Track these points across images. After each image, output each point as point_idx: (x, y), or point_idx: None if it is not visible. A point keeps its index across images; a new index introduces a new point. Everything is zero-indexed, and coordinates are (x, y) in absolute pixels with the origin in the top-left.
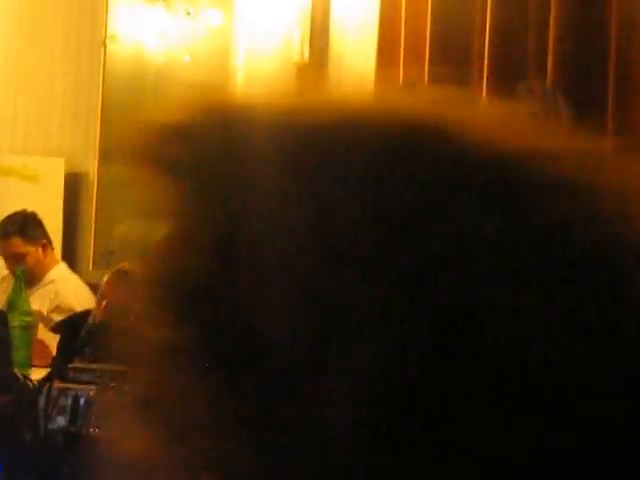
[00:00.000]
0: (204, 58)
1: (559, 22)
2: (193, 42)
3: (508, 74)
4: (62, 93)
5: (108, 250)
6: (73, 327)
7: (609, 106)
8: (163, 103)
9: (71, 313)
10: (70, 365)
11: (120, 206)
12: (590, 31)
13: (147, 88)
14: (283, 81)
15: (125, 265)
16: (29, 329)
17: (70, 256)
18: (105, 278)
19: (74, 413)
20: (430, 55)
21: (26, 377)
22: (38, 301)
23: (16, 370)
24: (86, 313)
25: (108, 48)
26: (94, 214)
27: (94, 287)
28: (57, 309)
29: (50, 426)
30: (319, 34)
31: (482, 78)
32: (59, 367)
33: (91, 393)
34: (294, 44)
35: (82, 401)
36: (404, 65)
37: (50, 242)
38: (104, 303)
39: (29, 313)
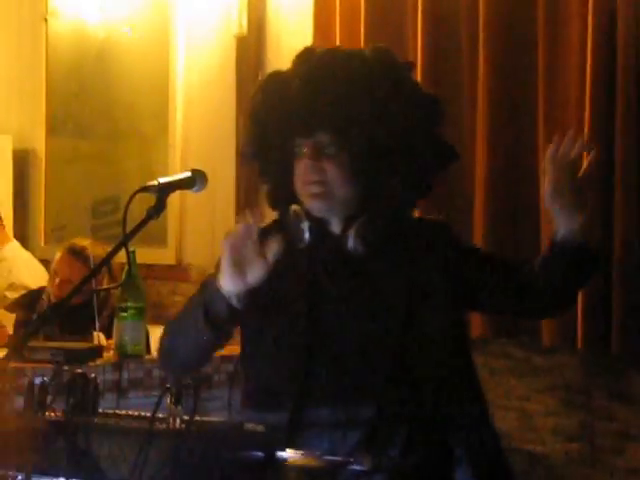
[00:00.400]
0: (144, 31)
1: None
2: (133, 16)
3: (440, 54)
4: (6, 71)
5: (59, 225)
6: (28, 305)
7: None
8: (106, 76)
9: (25, 291)
10: (28, 344)
11: (69, 180)
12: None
13: (89, 63)
14: (223, 52)
15: (76, 241)
16: None
17: (21, 233)
18: (57, 255)
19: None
20: (365, 34)
21: None
22: None
23: None
24: (40, 290)
25: (49, 24)
26: (44, 190)
27: (46, 263)
28: (11, 287)
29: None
30: (256, 9)
31: (416, 57)
32: (16, 347)
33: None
34: (233, 18)
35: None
36: (340, 43)
37: (1, 220)
38: (57, 280)
39: None
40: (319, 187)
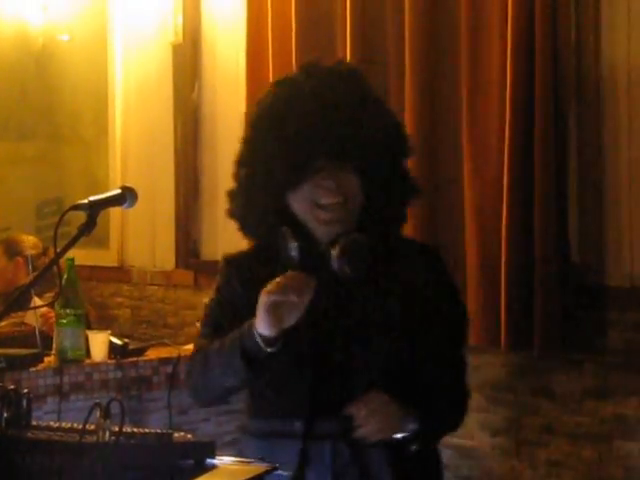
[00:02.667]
0: (83, 38)
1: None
2: (72, 22)
3: (368, 59)
4: None
5: (3, 226)
6: None
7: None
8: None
9: None
10: None
11: (12, 182)
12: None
13: (31, 68)
14: (160, 59)
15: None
16: None
17: None
18: None
19: None
20: (296, 41)
21: None
22: None
23: None
24: None
25: None
26: None
27: None
28: None
29: None
30: (191, 17)
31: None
32: None
33: None
34: (168, 25)
35: None
36: (272, 49)
37: None
38: None
39: None
40: (339, 212)
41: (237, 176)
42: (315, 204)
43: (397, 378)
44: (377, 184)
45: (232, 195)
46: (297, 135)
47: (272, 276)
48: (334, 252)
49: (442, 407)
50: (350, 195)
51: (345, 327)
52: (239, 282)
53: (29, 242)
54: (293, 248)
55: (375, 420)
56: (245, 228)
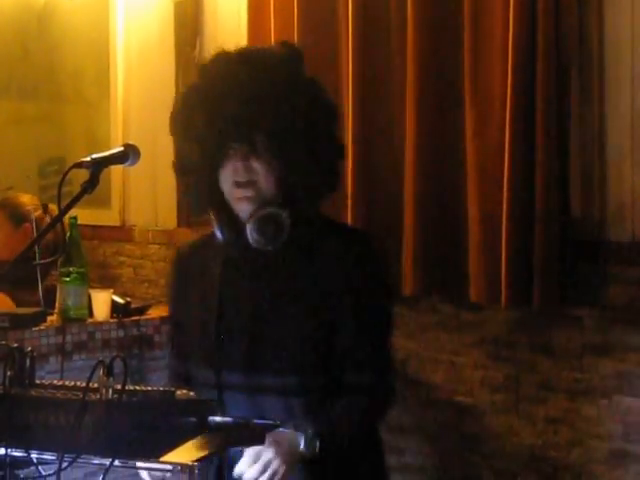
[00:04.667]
0: None
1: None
2: None
3: (372, 35)
4: None
5: (6, 186)
6: None
7: (465, 66)
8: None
9: None
10: None
11: (14, 142)
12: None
13: (32, 27)
14: (161, 17)
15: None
16: None
17: None
18: None
19: None
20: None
21: None
22: None
23: None
24: None
25: None
26: None
27: None
28: None
29: None
30: None
31: (347, 41)
32: None
33: None
34: None
35: None
36: (274, 8)
37: None
38: None
39: None
40: (250, 190)
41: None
42: (233, 184)
43: (308, 359)
44: (293, 162)
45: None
46: (210, 121)
47: (212, 263)
48: (248, 225)
49: (348, 414)
50: (260, 175)
51: (258, 299)
52: (189, 274)
53: (31, 203)
54: (216, 228)
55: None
56: (194, 211)
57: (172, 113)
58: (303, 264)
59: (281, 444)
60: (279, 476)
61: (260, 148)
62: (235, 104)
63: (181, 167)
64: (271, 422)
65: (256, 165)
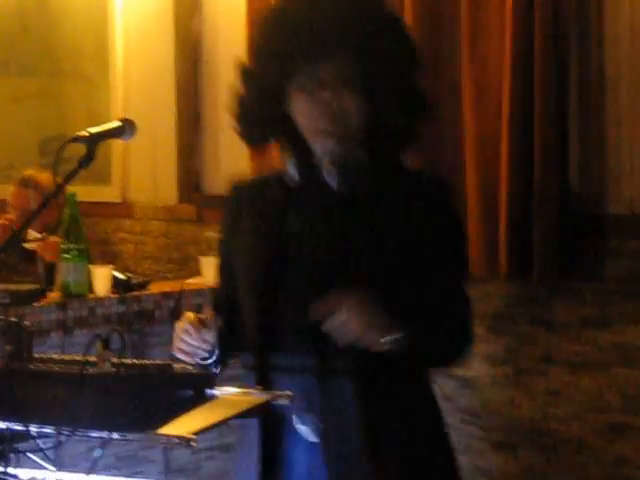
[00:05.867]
0: None
1: None
2: None
3: None
4: None
5: (7, 164)
6: None
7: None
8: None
9: None
10: None
11: (15, 119)
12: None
13: (31, 4)
14: (163, 7)
15: (27, 173)
16: None
17: None
18: (11, 190)
19: None
20: None
21: None
22: None
23: None
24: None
25: None
26: None
27: None
28: None
29: None
30: None
31: None
32: None
33: None
34: None
35: None
36: None
37: None
38: (17, 213)
39: None
40: (339, 126)
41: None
42: (320, 115)
43: (389, 299)
44: (382, 98)
45: (235, 108)
46: (295, 39)
47: (277, 199)
48: (329, 167)
49: (434, 328)
50: (353, 109)
51: (338, 245)
52: (243, 209)
53: (49, 181)
54: (291, 164)
55: (352, 315)
56: (250, 141)
57: (253, 36)
58: (384, 209)
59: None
60: (353, 323)
61: (355, 79)
62: (325, 24)
63: (249, 91)
64: (269, 395)
65: (350, 97)
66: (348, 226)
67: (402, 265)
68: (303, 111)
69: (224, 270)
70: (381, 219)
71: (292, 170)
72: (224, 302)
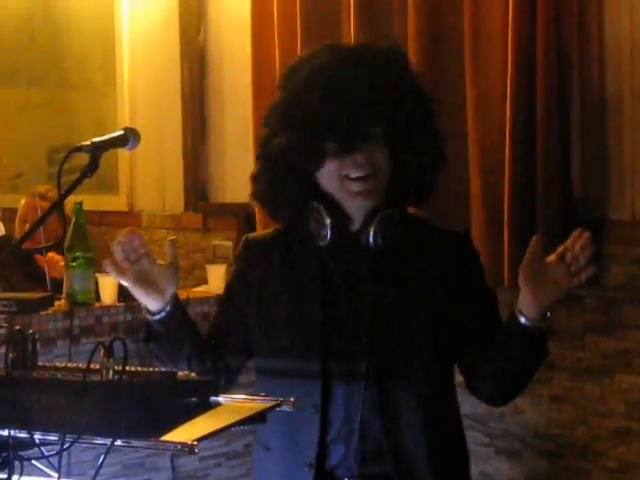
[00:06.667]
0: None
1: None
2: None
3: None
4: None
5: (15, 173)
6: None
7: (466, 56)
8: (55, 28)
9: None
10: None
11: (23, 129)
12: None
13: (39, 14)
14: (166, 2)
15: (41, 188)
16: None
17: None
18: (22, 202)
19: None
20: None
21: None
22: None
23: None
24: (7, 239)
25: None
26: None
27: (5, 211)
28: None
29: None
30: None
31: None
32: None
33: None
34: None
35: None
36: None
37: None
38: (27, 226)
39: None
40: (368, 184)
41: (262, 154)
42: (345, 177)
43: (430, 347)
44: (406, 153)
45: (256, 178)
46: (323, 111)
47: (291, 260)
48: (370, 228)
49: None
50: (379, 167)
51: (377, 297)
52: (254, 263)
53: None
54: (327, 225)
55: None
56: (274, 211)
57: (275, 104)
58: (414, 260)
59: None
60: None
61: (379, 138)
62: (351, 92)
63: (281, 162)
64: (274, 400)
65: (377, 154)
66: (387, 277)
67: (436, 312)
68: (334, 173)
69: (224, 309)
70: (410, 271)
71: (326, 231)
72: (216, 329)
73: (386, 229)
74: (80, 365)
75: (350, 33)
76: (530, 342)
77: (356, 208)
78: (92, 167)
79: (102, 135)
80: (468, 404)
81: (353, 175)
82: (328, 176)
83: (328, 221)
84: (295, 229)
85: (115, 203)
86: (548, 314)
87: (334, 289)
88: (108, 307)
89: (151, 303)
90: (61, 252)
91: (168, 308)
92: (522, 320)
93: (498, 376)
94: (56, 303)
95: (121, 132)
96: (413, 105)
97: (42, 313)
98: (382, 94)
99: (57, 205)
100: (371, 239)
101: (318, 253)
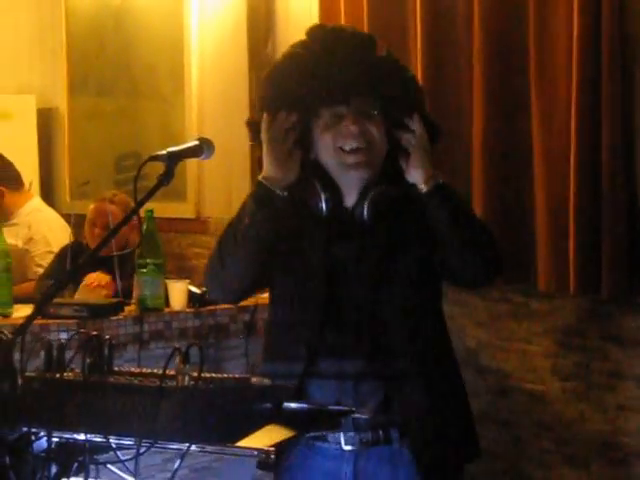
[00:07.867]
0: None
1: None
2: None
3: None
4: (28, 32)
5: (83, 180)
6: (62, 260)
7: (530, 69)
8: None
9: (44, 244)
10: (54, 300)
11: (91, 137)
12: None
13: (108, 23)
14: (235, 12)
15: (109, 193)
16: (9, 270)
17: (47, 189)
18: (91, 207)
19: (49, 358)
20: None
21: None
22: (13, 236)
23: None
24: (78, 245)
25: None
26: (67, 147)
27: (74, 217)
28: (30, 241)
29: (26, 374)
30: None
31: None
32: (41, 303)
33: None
34: None
35: (55, 346)
36: (345, 2)
37: (21, 180)
38: (97, 230)
39: (7, 254)
40: (363, 155)
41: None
42: (340, 150)
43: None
44: (401, 127)
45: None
46: (315, 85)
47: (297, 229)
48: (365, 203)
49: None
50: (374, 140)
51: (365, 273)
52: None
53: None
54: (322, 200)
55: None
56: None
57: (266, 81)
58: (404, 236)
59: None
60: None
61: (372, 113)
62: (342, 67)
63: (274, 136)
64: (346, 408)
65: (372, 128)
66: (378, 255)
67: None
68: (329, 147)
69: None
70: (404, 248)
71: (321, 204)
72: None
73: (379, 205)
74: (155, 371)
75: (416, 40)
76: (440, 200)
77: (351, 182)
78: (168, 176)
79: (170, 144)
80: (535, 412)
81: (347, 147)
82: (324, 149)
83: (324, 196)
84: (294, 205)
85: (183, 210)
86: (431, 172)
87: (333, 266)
88: (177, 313)
89: (287, 174)
90: (129, 260)
91: (286, 193)
92: (421, 188)
93: (449, 249)
94: (126, 309)
95: (196, 142)
96: (405, 81)
97: (112, 318)
98: (375, 66)
99: (134, 213)
100: (366, 215)
101: (316, 227)
